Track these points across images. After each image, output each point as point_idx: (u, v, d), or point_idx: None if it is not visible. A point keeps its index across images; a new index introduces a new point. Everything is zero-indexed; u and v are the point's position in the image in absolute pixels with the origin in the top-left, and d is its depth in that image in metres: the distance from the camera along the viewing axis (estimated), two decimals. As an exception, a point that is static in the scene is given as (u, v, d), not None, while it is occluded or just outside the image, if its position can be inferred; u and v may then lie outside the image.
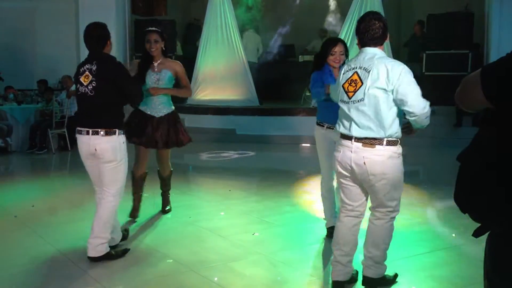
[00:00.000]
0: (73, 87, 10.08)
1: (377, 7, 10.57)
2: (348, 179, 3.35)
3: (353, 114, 3.20)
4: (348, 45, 10.71)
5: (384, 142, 3.16)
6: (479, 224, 1.75)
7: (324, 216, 4.60)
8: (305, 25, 13.51)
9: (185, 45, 13.32)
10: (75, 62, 12.43)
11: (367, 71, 3.16)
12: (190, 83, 11.50)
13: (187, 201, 5.90)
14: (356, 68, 3.24)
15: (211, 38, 11.54)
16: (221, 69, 11.38)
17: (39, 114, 10.03)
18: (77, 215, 5.38)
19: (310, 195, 6.15)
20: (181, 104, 11.00)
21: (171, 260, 4.04)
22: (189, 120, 10.37)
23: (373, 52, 3.23)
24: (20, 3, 12.60)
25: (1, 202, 5.97)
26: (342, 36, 10.84)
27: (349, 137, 3.25)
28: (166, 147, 4.97)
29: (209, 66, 11.50)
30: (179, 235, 4.67)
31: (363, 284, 3.47)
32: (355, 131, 3.20)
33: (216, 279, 3.68)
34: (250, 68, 11.48)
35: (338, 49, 4.22)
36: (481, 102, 1.72)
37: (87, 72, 3.93)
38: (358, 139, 3.19)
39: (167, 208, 5.33)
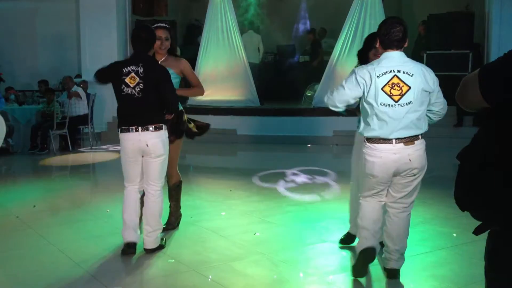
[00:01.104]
0: (74, 88, 10.11)
1: (378, 7, 10.59)
2: (382, 183, 3.44)
3: (399, 116, 3.29)
4: (348, 47, 10.83)
5: (420, 136, 3.39)
6: (479, 223, 1.76)
7: (350, 221, 4.36)
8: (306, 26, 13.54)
9: (186, 46, 13.35)
10: (76, 63, 12.49)
11: (410, 74, 3.29)
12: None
13: (189, 201, 5.89)
14: (394, 71, 3.30)
15: (212, 38, 11.55)
16: (222, 70, 11.39)
17: (40, 115, 10.05)
18: (78, 216, 5.39)
19: (311, 195, 6.17)
20: (182, 104, 11.03)
21: (173, 260, 4.05)
22: (190, 121, 10.37)
23: (399, 55, 3.36)
24: (21, 3, 12.62)
25: (3, 203, 5.98)
26: (342, 37, 10.84)
27: (388, 141, 3.32)
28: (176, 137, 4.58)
29: (209, 67, 11.51)
30: (181, 235, 4.67)
31: (389, 277, 3.58)
32: (400, 133, 3.31)
33: (210, 277, 3.68)
34: (252, 69, 11.48)
35: None
36: (479, 102, 1.73)
37: (133, 74, 3.99)
38: (400, 140, 3.32)
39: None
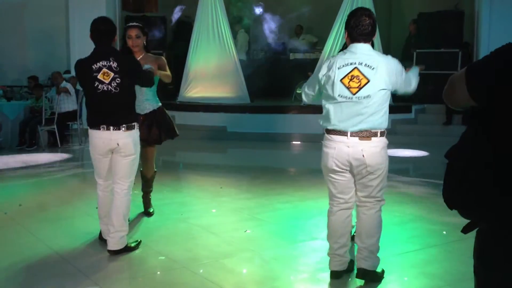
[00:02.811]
0: (63, 84, 10.04)
1: (368, 5, 10.62)
2: (341, 174, 3.39)
3: (355, 109, 3.25)
4: (338, 44, 10.83)
5: (379, 134, 3.30)
6: (468, 221, 1.77)
7: None
8: (297, 23, 13.54)
9: (176, 42, 13.30)
10: (65, 59, 12.40)
11: (371, 68, 3.23)
12: (181, 80, 11.53)
13: (179, 198, 5.89)
14: (356, 63, 3.26)
15: (202, 35, 11.52)
16: (212, 67, 11.37)
17: (28, 111, 9.97)
18: (67, 212, 5.36)
19: (302, 192, 6.17)
20: (171, 101, 11.00)
21: (163, 257, 4.04)
22: (179, 117, 10.36)
23: (365, 48, 3.31)
24: (9, -2, 12.50)
25: (-9, 199, 5.92)
26: (332, 35, 10.87)
27: (343, 133, 3.28)
28: (155, 143, 4.88)
29: (200, 64, 11.49)
30: (171, 232, 4.66)
31: (357, 277, 3.52)
32: (355, 126, 3.26)
33: (201, 272, 3.68)
34: (242, 67, 11.49)
35: None
36: (466, 101, 1.73)
37: (105, 69, 3.88)
38: (355, 133, 3.26)
39: (150, 210, 5.15)
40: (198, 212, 5.38)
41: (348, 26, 3.34)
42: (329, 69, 3.34)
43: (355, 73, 3.24)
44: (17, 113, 9.85)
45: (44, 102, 9.56)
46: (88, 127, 4.06)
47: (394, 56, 3.45)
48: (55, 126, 9.62)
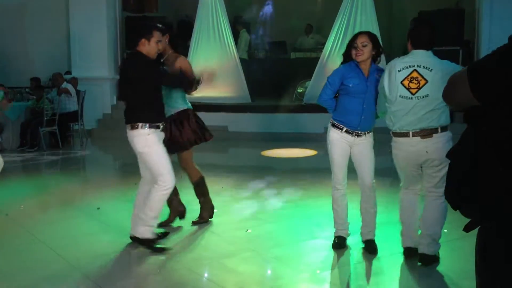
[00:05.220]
0: (64, 85, 10.04)
1: (369, 4, 10.60)
2: (411, 170, 3.67)
3: (415, 109, 3.47)
4: (339, 43, 10.80)
5: (439, 130, 3.51)
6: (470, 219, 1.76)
7: (334, 225, 4.18)
8: (297, 22, 13.54)
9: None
10: (66, 60, 12.41)
11: (429, 69, 3.48)
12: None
13: (180, 198, 5.87)
14: (414, 66, 3.50)
15: (203, 35, 11.51)
16: (213, 66, 11.34)
17: (30, 112, 9.97)
18: (69, 213, 5.36)
19: (302, 191, 6.17)
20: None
21: (164, 257, 4.04)
22: (181, 118, 10.34)
23: (424, 53, 3.56)
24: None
25: (-8, 200, 5.93)
26: (333, 33, 10.85)
27: (405, 134, 3.53)
28: (170, 151, 4.54)
29: (200, 64, 11.46)
30: (172, 232, 4.64)
31: (420, 261, 3.72)
32: (415, 126, 3.49)
33: (206, 275, 3.67)
34: (242, 65, 11.49)
35: (359, 40, 3.84)
36: (469, 100, 1.72)
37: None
38: (416, 133, 3.50)
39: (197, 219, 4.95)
40: (199, 212, 5.36)
41: (410, 34, 3.62)
42: (389, 73, 3.58)
43: (414, 75, 3.49)
44: (18, 115, 9.85)
45: (45, 103, 9.56)
46: None
47: (394, 54, 3.53)
48: (56, 127, 9.62)
